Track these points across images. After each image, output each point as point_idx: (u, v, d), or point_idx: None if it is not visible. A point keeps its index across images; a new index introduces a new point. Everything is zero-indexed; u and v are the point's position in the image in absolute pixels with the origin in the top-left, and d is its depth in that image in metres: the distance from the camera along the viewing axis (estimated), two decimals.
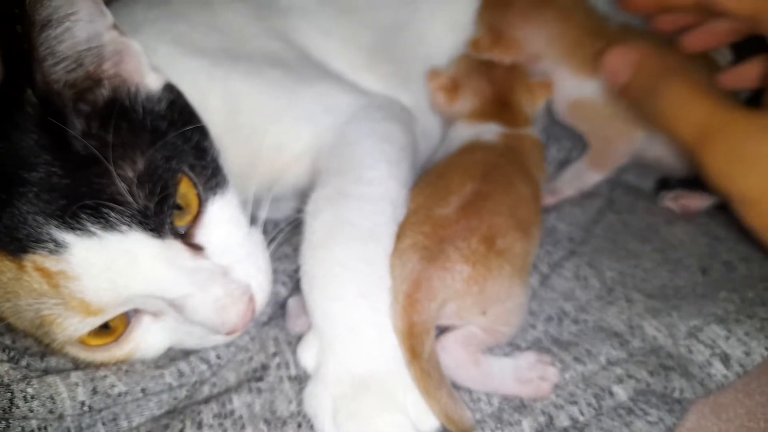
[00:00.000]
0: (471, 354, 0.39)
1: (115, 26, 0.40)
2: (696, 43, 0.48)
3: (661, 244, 0.52)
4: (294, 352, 0.41)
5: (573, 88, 0.56)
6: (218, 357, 0.42)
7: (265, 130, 0.49)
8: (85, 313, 0.36)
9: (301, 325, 0.42)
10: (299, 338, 0.42)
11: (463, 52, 0.58)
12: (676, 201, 0.57)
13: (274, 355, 0.42)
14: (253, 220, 0.43)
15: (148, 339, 0.40)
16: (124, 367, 0.40)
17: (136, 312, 0.39)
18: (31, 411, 0.37)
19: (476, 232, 0.40)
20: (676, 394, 0.39)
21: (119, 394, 0.39)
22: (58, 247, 0.34)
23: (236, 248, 0.40)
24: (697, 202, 0.55)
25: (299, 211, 0.44)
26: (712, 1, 0.41)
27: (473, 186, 0.43)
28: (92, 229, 0.35)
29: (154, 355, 0.41)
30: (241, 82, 0.49)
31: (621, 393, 0.38)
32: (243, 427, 0.38)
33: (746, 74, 0.47)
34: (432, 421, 0.37)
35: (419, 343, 0.37)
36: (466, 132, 0.53)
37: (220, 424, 0.38)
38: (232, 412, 0.39)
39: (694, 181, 0.54)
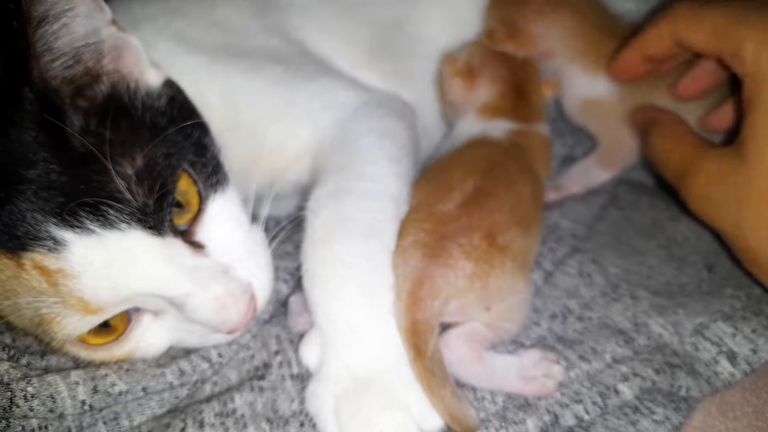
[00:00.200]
0: (475, 351, 0.39)
1: (114, 22, 0.40)
2: (688, 91, 0.51)
3: (666, 241, 0.51)
4: (296, 351, 0.41)
5: (585, 86, 0.56)
6: (220, 355, 0.42)
7: (266, 127, 0.49)
8: (84, 312, 0.35)
9: (303, 323, 0.42)
10: (301, 336, 0.41)
11: (477, 38, 0.58)
12: None
13: (276, 353, 0.42)
14: (254, 218, 0.43)
15: (148, 338, 0.40)
16: (125, 365, 0.40)
17: (137, 310, 0.39)
18: (32, 410, 0.37)
19: (478, 228, 0.40)
20: (683, 393, 0.39)
21: (120, 393, 0.39)
22: (57, 245, 0.34)
23: (237, 246, 0.40)
24: None
25: (300, 208, 0.44)
26: (685, 40, 0.44)
27: (474, 182, 0.43)
28: (91, 226, 0.34)
29: (155, 354, 0.41)
30: (241, 78, 0.49)
31: (627, 391, 0.38)
32: (245, 426, 0.38)
33: (726, 115, 0.50)
34: (435, 420, 0.36)
35: (423, 341, 0.37)
36: (474, 127, 0.52)
37: (222, 423, 0.38)
38: (233, 411, 0.38)
39: None
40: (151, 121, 0.39)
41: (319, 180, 0.45)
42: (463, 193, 0.42)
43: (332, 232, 0.41)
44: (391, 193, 0.43)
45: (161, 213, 0.36)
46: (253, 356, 0.42)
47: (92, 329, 0.37)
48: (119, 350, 0.39)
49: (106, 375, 0.39)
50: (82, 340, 0.38)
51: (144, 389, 0.39)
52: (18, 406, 0.37)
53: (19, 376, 0.39)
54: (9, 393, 0.37)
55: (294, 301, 0.44)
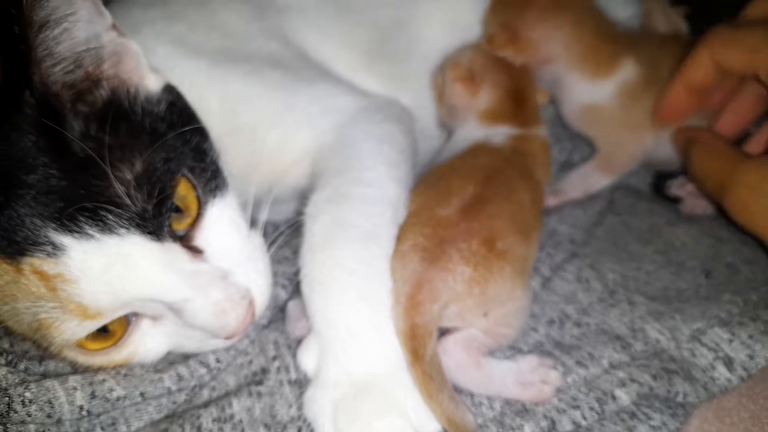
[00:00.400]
0: (472, 356, 0.39)
1: (114, 27, 0.40)
2: (728, 127, 0.52)
3: (663, 246, 0.52)
4: (294, 356, 0.41)
5: (585, 92, 0.56)
6: (218, 361, 0.42)
7: (265, 132, 0.49)
8: (83, 317, 0.35)
9: (301, 328, 0.42)
10: (299, 342, 0.41)
11: (476, 42, 0.58)
12: (683, 187, 0.57)
13: (274, 358, 0.42)
14: (253, 223, 0.43)
15: (147, 343, 0.40)
16: (123, 371, 0.40)
17: (135, 316, 0.39)
18: (29, 415, 0.37)
19: (477, 234, 0.40)
20: (680, 398, 0.39)
21: (118, 399, 0.39)
22: (56, 250, 0.34)
23: (236, 251, 0.40)
24: (702, 205, 0.55)
25: (299, 213, 0.44)
26: (723, 61, 0.45)
27: (474, 189, 0.43)
28: (90, 231, 0.34)
29: (153, 359, 0.41)
30: (240, 83, 0.49)
31: (624, 397, 0.38)
32: (243, 431, 0.38)
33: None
34: (433, 425, 0.36)
35: (421, 346, 0.37)
36: (475, 133, 0.52)
37: (220, 429, 0.38)
38: (231, 417, 0.38)
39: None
40: (150, 126, 0.39)
41: (317, 185, 0.45)
42: (463, 199, 0.42)
43: (331, 237, 0.41)
44: (389, 198, 0.43)
45: (160, 218, 0.36)
46: (251, 361, 0.42)
47: (90, 334, 0.37)
48: (117, 355, 0.39)
49: (104, 380, 0.39)
50: (80, 345, 0.38)
51: (142, 394, 0.39)
52: (16, 412, 0.37)
53: (17, 381, 0.39)
54: (7, 398, 0.37)
55: (292, 306, 0.44)
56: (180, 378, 0.40)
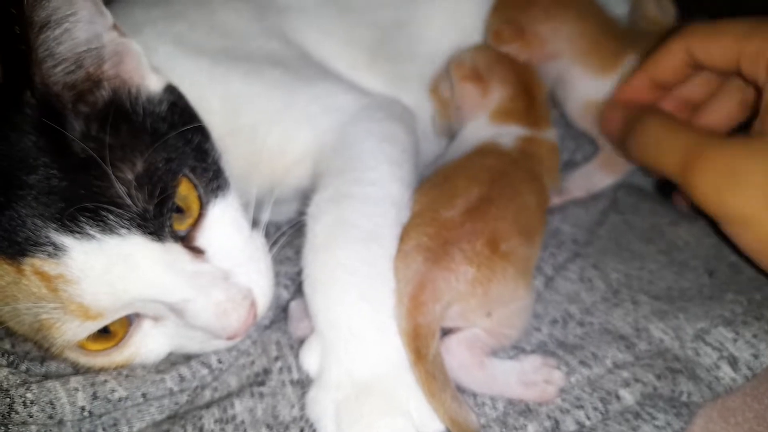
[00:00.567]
0: (475, 356, 0.39)
1: (115, 27, 0.40)
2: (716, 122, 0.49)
3: (667, 246, 0.51)
4: (296, 356, 0.41)
5: (588, 88, 0.56)
6: (220, 361, 0.41)
7: (266, 131, 0.49)
8: (84, 318, 0.35)
9: (303, 328, 0.42)
10: (302, 342, 0.41)
11: (483, 41, 0.58)
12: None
13: (277, 359, 0.42)
14: (254, 223, 0.43)
15: (148, 343, 0.40)
16: (125, 371, 0.40)
17: (137, 316, 0.39)
18: (31, 416, 0.37)
19: (481, 235, 0.40)
20: (684, 398, 0.39)
21: (120, 399, 0.39)
22: (57, 250, 0.34)
23: (237, 252, 0.40)
24: None
25: (301, 213, 0.44)
26: (700, 55, 0.43)
27: (480, 191, 0.43)
28: (91, 232, 0.34)
29: (155, 360, 0.41)
30: (240, 82, 0.49)
31: (628, 397, 0.38)
32: (245, 431, 0.38)
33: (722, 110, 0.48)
34: (436, 425, 0.36)
35: (424, 345, 0.36)
36: (484, 132, 0.52)
37: (222, 429, 0.38)
38: (233, 417, 0.38)
39: None
40: (151, 126, 0.39)
41: (319, 184, 0.45)
42: (468, 200, 0.42)
43: (333, 237, 0.41)
44: (392, 198, 0.43)
45: (161, 218, 0.36)
46: (253, 362, 0.42)
47: (92, 335, 0.37)
48: (119, 356, 0.39)
49: (106, 381, 0.39)
50: (81, 346, 0.38)
51: (144, 395, 0.39)
52: (17, 413, 0.37)
53: (18, 382, 0.39)
54: (8, 399, 0.37)
55: (294, 306, 0.44)
56: (182, 379, 0.40)
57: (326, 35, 0.57)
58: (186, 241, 0.38)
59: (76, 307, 0.35)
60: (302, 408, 0.39)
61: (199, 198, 0.39)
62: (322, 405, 0.37)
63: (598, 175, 0.57)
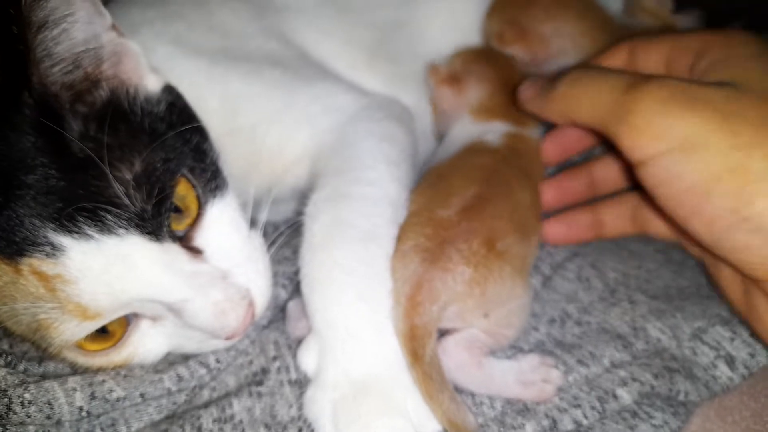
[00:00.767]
0: (473, 356, 0.39)
1: (113, 27, 0.40)
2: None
3: (664, 245, 0.51)
4: (294, 356, 0.41)
5: None
6: (218, 361, 0.41)
7: (265, 131, 0.49)
8: (82, 318, 0.35)
9: (301, 328, 0.42)
10: (300, 342, 0.41)
11: (460, 48, 0.58)
12: None
13: (275, 358, 0.42)
14: (252, 223, 0.43)
15: (146, 343, 0.40)
16: (123, 371, 0.40)
17: (135, 316, 0.39)
18: (29, 417, 0.37)
19: (477, 234, 0.40)
20: (681, 397, 0.39)
21: (118, 399, 0.38)
22: (55, 250, 0.34)
23: (236, 252, 0.40)
24: None
25: (299, 213, 0.44)
26: (572, 118, 0.42)
27: (475, 189, 0.43)
28: (89, 232, 0.34)
29: (153, 360, 0.41)
30: (239, 82, 0.49)
31: (625, 396, 0.38)
32: (243, 431, 0.38)
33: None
34: (434, 425, 0.36)
35: (421, 346, 0.36)
36: (469, 131, 0.52)
37: (220, 429, 0.38)
38: (231, 417, 0.38)
39: None
40: (150, 126, 0.39)
41: (317, 184, 0.45)
42: (463, 199, 0.42)
43: (331, 237, 0.41)
44: (390, 198, 0.43)
45: (159, 218, 0.36)
46: (251, 362, 0.42)
47: (90, 335, 0.37)
48: (117, 356, 0.39)
49: (104, 381, 0.39)
50: (79, 346, 0.38)
51: (142, 395, 0.39)
52: (15, 413, 0.37)
53: (16, 382, 0.38)
54: (6, 399, 0.37)
55: (292, 306, 0.44)
56: (180, 378, 0.40)
57: (325, 35, 0.57)
58: (184, 241, 0.38)
59: (74, 307, 0.35)
60: (300, 408, 0.39)
61: (198, 198, 0.39)
62: (319, 405, 0.37)
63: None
